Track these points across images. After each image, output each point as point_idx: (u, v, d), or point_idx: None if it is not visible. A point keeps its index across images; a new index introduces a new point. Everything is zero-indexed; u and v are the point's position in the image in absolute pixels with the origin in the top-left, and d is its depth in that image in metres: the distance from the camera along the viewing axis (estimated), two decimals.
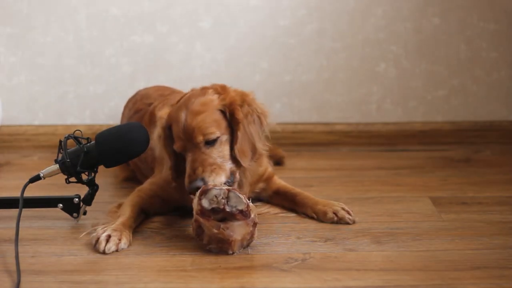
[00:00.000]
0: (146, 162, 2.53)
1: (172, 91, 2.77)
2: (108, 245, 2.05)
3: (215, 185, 2.06)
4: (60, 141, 2.22)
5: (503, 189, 2.65)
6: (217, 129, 2.18)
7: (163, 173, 2.35)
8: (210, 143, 2.17)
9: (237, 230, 2.03)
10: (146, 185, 2.38)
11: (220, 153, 2.19)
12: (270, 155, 2.49)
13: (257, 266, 1.99)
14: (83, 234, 2.17)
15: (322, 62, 3.26)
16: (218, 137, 2.18)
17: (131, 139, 2.22)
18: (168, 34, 3.21)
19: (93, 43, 3.20)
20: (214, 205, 2.03)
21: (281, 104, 3.28)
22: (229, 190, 2.04)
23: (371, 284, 1.88)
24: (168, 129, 2.24)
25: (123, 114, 2.90)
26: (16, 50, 3.20)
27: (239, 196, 2.03)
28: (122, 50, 3.21)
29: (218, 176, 2.13)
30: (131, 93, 2.98)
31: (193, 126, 2.16)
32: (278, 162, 2.93)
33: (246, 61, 3.25)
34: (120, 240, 2.08)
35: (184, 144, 2.18)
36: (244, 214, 2.03)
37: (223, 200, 2.03)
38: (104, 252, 2.04)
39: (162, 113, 2.27)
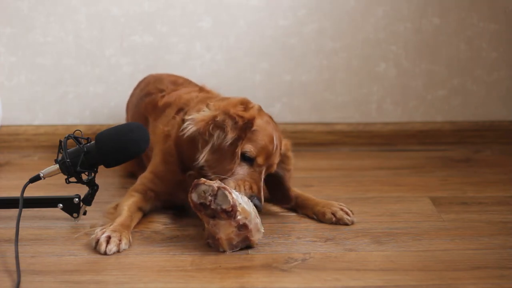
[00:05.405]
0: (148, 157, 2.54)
1: (185, 80, 2.76)
2: (109, 247, 2.05)
3: (205, 181, 2.06)
4: (60, 141, 2.22)
5: (503, 189, 2.65)
6: None
7: (154, 167, 2.37)
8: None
9: (222, 229, 2.04)
10: (138, 181, 2.40)
11: None
12: None
13: (257, 266, 1.99)
14: (80, 233, 2.17)
15: (322, 62, 3.26)
16: None
17: (131, 139, 2.21)
18: (168, 34, 3.21)
19: (93, 43, 3.20)
20: (201, 200, 2.04)
21: (281, 104, 3.28)
22: (219, 188, 2.03)
23: (371, 284, 1.88)
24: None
25: (132, 94, 2.88)
26: (16, 50, 3.20)
27: (226, 196, 2.02)
28: (122, 50, 3.21)
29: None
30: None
31: (278, 151, 2.29)
32: None
33: (246, 61, 3.25)
34: (120, 240, 2.07)
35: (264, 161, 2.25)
36: (228, 214, 2.02)
37: (210, 197, 2.03)
38: (105, 254, 2.04)
39: (255, 119, 2.24)
